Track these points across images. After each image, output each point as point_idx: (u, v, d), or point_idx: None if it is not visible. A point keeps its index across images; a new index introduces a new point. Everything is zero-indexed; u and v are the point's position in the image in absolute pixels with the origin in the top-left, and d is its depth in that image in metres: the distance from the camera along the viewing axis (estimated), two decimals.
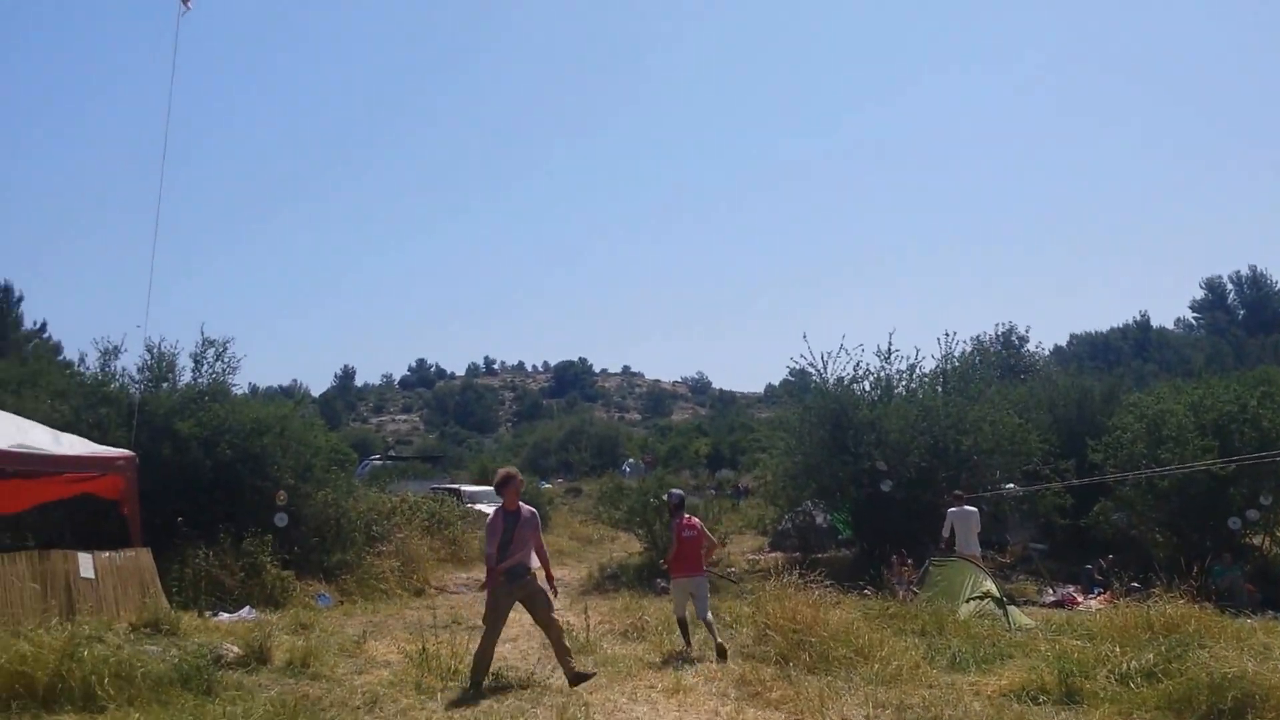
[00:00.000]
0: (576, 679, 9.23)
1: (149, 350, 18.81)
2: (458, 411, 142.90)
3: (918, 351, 23.57)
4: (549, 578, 9.83)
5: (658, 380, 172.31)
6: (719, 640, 10.96)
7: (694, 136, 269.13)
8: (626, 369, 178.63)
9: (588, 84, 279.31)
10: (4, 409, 15.19)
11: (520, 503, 9.84)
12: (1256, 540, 19.81)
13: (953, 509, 17.35)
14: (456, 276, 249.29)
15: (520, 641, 12.18)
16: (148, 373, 18.80)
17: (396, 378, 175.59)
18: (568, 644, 9.74)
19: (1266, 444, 18.12)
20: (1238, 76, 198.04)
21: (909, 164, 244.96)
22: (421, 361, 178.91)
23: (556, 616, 9.78)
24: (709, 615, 11.44)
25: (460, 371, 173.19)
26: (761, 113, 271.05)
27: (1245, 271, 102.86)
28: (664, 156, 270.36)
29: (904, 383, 22.42)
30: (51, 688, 7.71)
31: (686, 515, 12.05)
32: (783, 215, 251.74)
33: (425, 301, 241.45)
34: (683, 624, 11.61)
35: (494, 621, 9.49)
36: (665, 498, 14.01)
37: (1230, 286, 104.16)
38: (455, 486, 33.04)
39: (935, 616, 12.69)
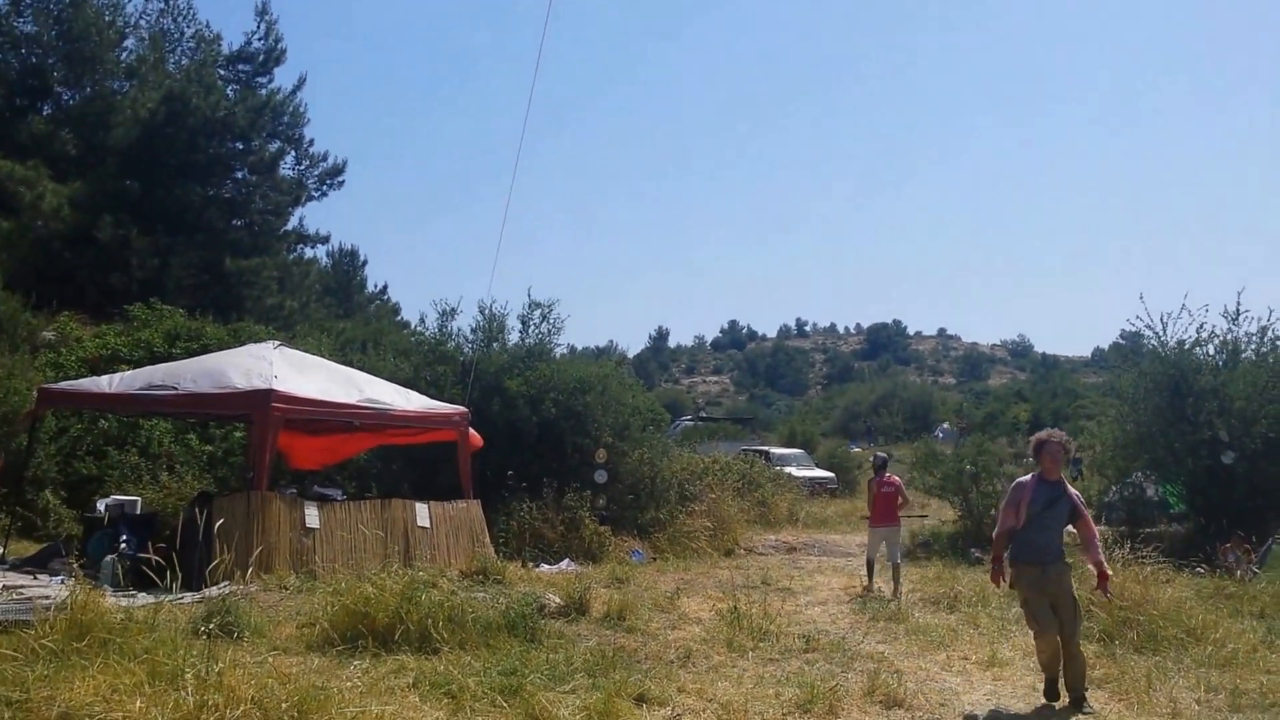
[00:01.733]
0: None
1: (481, 311, 19.94)
2: (768, 373, 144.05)
3: (1270, 312, 21.62)
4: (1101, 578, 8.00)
5: (975, 343, 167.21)
6: (899, 583, 13.37)
7: (1022, 91, 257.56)
8: (942, 331, 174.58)
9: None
10: (353, 366, 16.59)
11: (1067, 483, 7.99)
12: None
13: None
14: (770, 236, 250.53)
15: (830, 606, 12.25)
16: (480, 333, 19.87)
17: (709, 339, 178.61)
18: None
19: None
20: None
21: (1261, 102, 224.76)
22: (734, 323, 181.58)
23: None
24: (899, 559, 13.96)
25: (771, 333, 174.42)
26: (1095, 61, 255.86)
27: None
28: (992, 113, 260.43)
29: (1253, 346, 20.65)
30: (390, 628, 8.25)
31: (888, 474, 14.65)
32: (1114, 166, 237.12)
33: (739, 262, 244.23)
34: (870, 565, 14.12)
35: (1031, 619, 7.87)
36: (871, 459, 17.32)
37: None
38: (764, 449, 33.35)
39: (1277, 598, 11.83)
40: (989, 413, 61.70)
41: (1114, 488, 22.17)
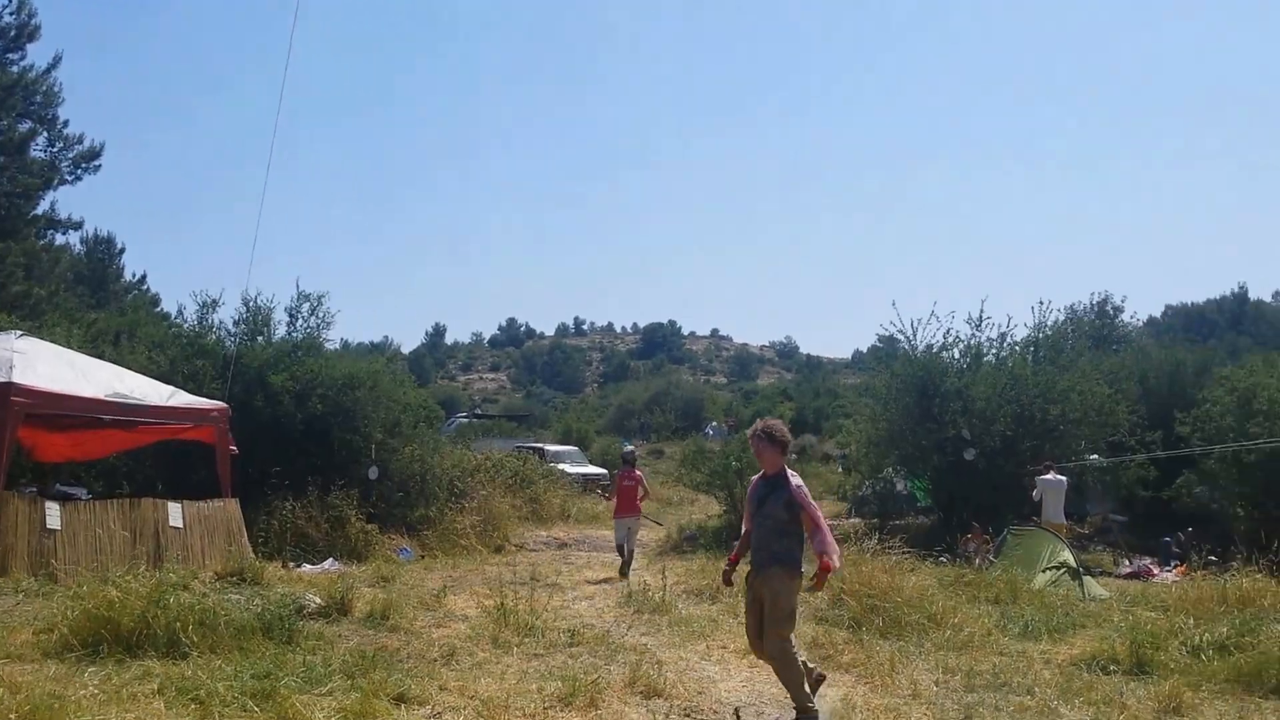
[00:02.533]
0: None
1: (245, 304, 19.20)
2: (545, 371, 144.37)
3: (1010, 319, 23.21)
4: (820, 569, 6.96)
5: (745, 344, 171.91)
6: (632, 564, 15.35)
7: (780, 95, 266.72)
8: (715, 332, 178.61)
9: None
10: (104, 359, 15.75)
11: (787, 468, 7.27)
12: None
13: (1044, 477, 17.47)
14: (549, 235, 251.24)
15: (597, 600, 12.41)
16: (244, 326, 19.16)
17: (486, 336, 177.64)
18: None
19: None
20: None
21: (1000, 131, 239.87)
22: (512, 321, 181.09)
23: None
24: (634, 546, 15.92)
25: (550, 331, 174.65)
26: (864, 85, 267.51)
27: None
28: (746, 117, 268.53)
29: (994, 351, 22.14)
30: (136, 633, 7.88)
31: (632, 468, 15.85)
32: (871, 183, 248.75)
33: (518, 261, 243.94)
34: (620, 549, 15.47)
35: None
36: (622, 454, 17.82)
37: None
38: (539, 446, 33.46)
39: (1010, 585, 12.65)
40: (756, 411, 63.47)
41: (867, 483, 23.33)
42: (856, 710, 7.30)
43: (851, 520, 22.79)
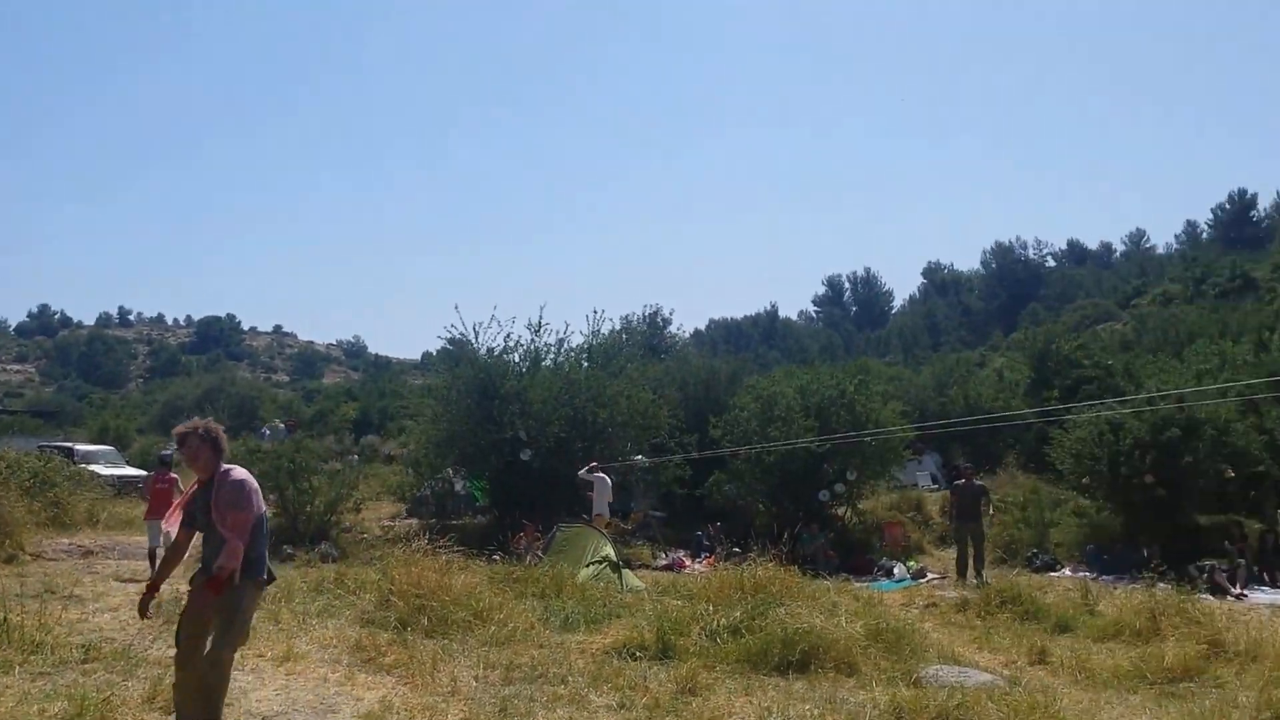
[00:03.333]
0: None
1: None
2: (82, 364, 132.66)
3: (567, 326, 24.29)
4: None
5: (311, 341, 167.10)
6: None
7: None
8: (278, 328, 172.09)
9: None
10: None
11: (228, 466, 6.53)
12: (840, 511, 21.98)
13: (594, 475, 18.45)
14: (90, 221, 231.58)
15: (122, 611, 11.64)
16: None
17: (12, 324, 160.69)
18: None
19: (858, 425, 20.19)
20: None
21: (572, 148, 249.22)
22: (44, 307, 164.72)
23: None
24: (159, 547, 15.05)
25: (90, 321, 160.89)
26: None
27: (860, 272, 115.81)
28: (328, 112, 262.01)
29: (552, 356, 23.04)
30: None
31: (167, 471, 15.92)
32: (439, 179, 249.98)
33: (52, 244, 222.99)
34: (152, 556, 15.31)
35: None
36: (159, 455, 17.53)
37: (847, 285, 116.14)
38: (68, 445, 30.82)
39: (555, 580, 13.15)
40: (319, 410, 62.07)
41: (426, 483, 23.52)
42: (394, 711, 7.34)
43: (409, 521, 22.88)
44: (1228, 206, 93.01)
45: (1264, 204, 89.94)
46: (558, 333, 23.23)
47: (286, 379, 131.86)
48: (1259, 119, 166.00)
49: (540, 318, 22.69)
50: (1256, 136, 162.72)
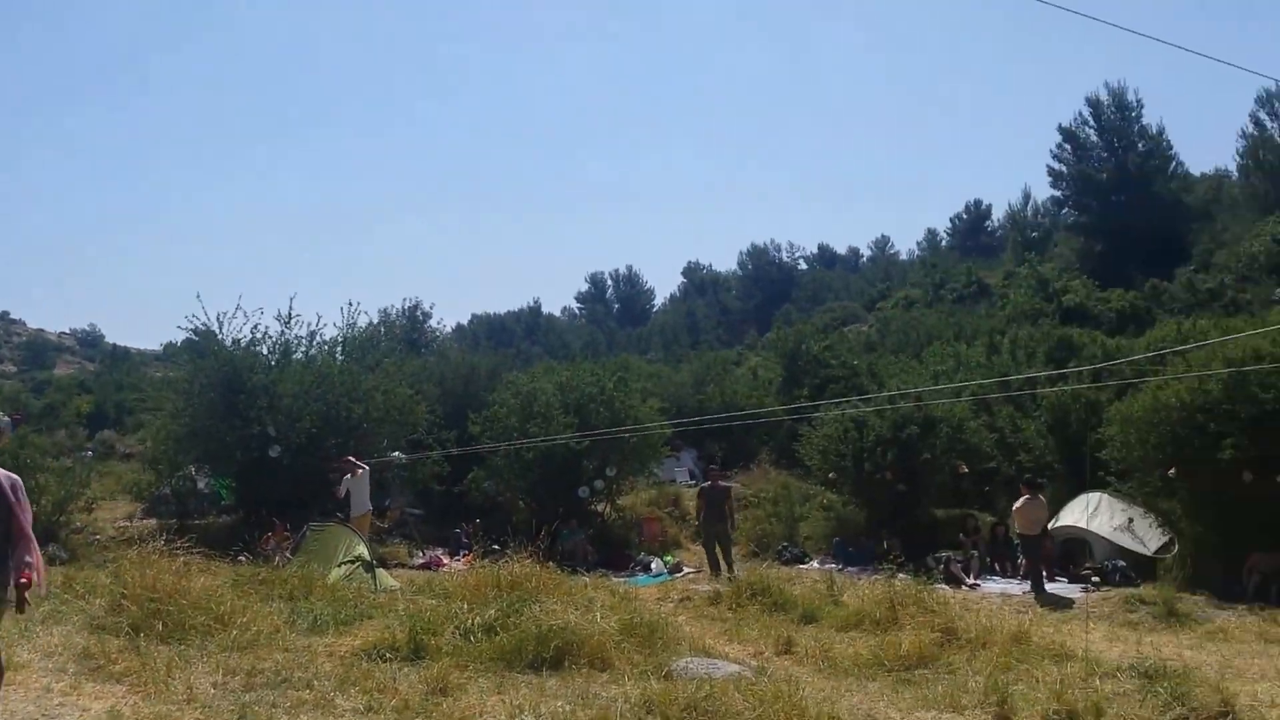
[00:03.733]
0: None
1: None
2: None
3: (319, 318, 23.50)
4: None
5: (41, 329, 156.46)
6: None
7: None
8: (5, 315, 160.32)
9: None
10: None
11: None
12: (600, 508, 22.23)
13: (347, 475, 17.79)
14: None
15: None
16: None
17: None
18: None
19: (617, 422, 20.47)
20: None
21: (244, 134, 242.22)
22: None
23: None
24: None
25: None
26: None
27: (623, 270, 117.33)
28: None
29: (304, 348, 22.27)
30: None
31: None
32: (178, 160, 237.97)
33: None
34: None
35: None
36: None
37: (610, 282, 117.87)
38: None
39: (304, 581, 12.74)
40: (49, 404, 58.49)
41: (166, 481, 22.35)
42: None
43: (147, 521, 21.72)
44: (965, 216, 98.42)
45: (997, 215, 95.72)
46: (309, 325, 22.47)
47: (14, 369, 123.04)
48: (995, 131, 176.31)
49: (290, 308, 21.90)
50: (993, 148, 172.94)
